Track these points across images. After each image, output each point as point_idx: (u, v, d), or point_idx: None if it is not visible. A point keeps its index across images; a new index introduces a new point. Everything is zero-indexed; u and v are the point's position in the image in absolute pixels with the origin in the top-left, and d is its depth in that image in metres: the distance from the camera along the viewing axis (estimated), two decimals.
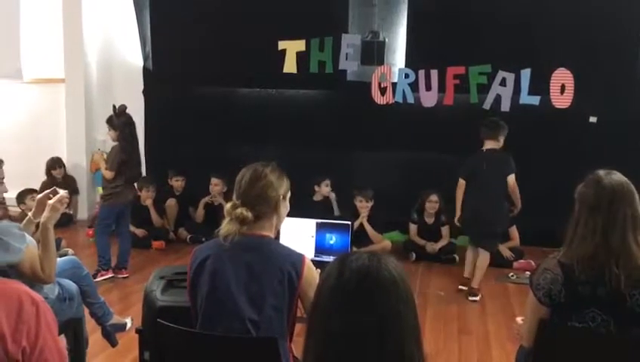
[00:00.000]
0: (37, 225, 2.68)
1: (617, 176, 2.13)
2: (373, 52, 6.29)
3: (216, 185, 6.31)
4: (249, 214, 2.12)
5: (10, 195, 5.25)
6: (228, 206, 2.16)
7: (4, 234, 2.37)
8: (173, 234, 6.41)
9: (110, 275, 5.08)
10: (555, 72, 5.84)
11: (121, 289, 4.89)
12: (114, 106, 4.98)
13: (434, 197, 5.92)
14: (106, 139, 5.91)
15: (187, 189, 6.61)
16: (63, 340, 2.88)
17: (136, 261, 5.46)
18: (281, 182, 2.21)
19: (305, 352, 1.31)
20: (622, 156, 5.46)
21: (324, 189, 6.09)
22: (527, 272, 5.34)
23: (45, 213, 2.63)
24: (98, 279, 4.90)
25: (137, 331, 2.59)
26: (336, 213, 6.01)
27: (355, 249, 3.88)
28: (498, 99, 5.99)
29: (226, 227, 2.12)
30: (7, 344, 1.45)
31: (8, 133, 7.10)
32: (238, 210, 2.12)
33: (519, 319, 2.36)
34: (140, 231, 6.09)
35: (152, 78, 6.99)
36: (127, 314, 3.92)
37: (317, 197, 6.12)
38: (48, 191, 2.77)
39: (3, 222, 2.44)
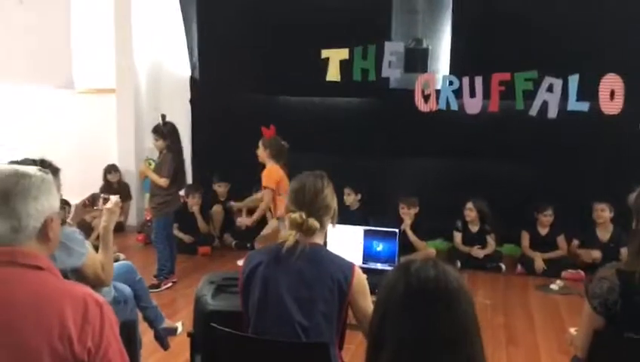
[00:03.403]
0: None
1: None
2: (417, 59, 6.29)
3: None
4: (317, 225, 2.19)
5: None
6: (295, 216, 2.19)
7: (69, 240, 2.49)
8: (219, 240, 6.52)
9: (171, 283, 5.18)
10: (604, 77, 5.71)
11: (169, 294, 4.98)
12: (162, 116, 5.12)
13: (469, 205, 5.86)
14: (153, 148, 6.05)
15: (231, 195, 6.71)
16: None
17: (182, 267, 5.57)
18: (334, 193, 2.30)
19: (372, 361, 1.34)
20: None
21: (347, 198, 6.09)
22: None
23: (104, 218, 2.77)
24: (162, 288, 5.04)
25: (189, 334, 2.66)
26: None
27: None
28: (545, 105, 5.90)
29: (292, 238, 2.17)
30: (74, 345, 1.48)
31: (62, 143, 7.29)
32: (310, 221, 2.17)
33: (572, 329, 2.32)
34: (186, 238, 6.21)
35: (198, 87, 7.12)
36: (174, 319, 4.00)
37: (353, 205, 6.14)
38: (85, 198, 2.92)
39: (66, 228, 2.54)
